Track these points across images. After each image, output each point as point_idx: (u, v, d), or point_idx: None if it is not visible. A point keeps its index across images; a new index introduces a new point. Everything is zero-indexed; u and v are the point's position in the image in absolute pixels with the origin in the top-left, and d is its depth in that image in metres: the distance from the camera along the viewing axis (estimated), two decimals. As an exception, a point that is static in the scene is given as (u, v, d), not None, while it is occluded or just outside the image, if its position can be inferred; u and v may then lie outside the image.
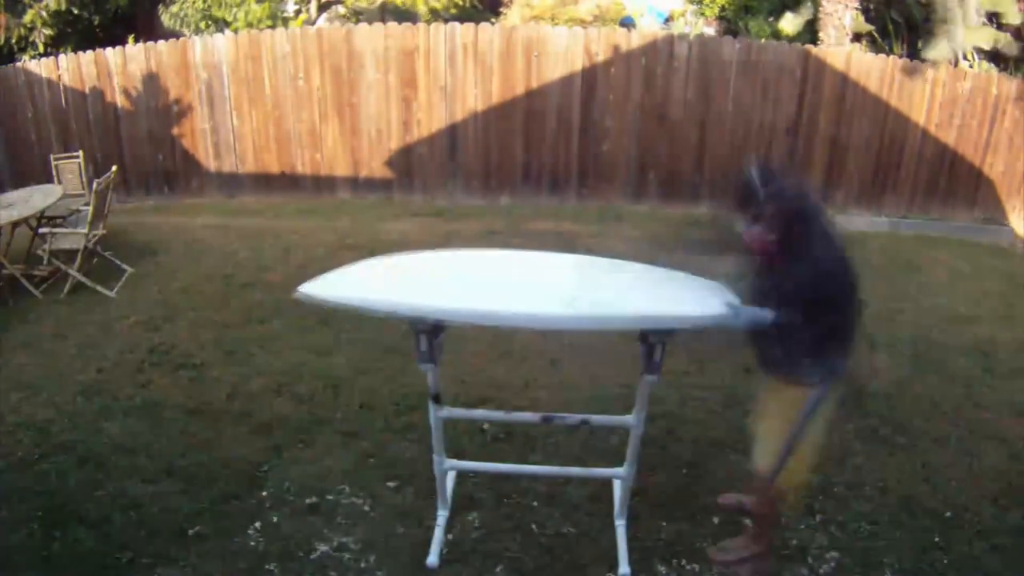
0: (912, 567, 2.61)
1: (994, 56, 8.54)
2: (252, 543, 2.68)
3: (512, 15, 11.21)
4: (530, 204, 7.51)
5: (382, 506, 2.87)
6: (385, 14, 9.49)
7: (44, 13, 8.67)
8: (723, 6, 10.77)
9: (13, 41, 8.75)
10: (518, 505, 2.87)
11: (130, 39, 8.00)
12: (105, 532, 2.71)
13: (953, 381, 3.96)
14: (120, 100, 7.63)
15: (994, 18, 8.58)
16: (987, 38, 8.42)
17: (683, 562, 2.61)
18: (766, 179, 2.11)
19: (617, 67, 7.26)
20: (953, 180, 7.54)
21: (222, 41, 7.50)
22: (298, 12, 9.96)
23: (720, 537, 2.72)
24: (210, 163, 7.79)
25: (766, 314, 2.08)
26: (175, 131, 7.71)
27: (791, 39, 8.50)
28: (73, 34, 9.13)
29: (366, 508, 2.86)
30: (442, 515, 2.72)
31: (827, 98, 7.28)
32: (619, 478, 2.69)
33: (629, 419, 2.45)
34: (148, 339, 4.32)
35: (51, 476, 3.03)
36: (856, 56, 7.50)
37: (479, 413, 2.95)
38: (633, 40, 7.27)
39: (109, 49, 7.57)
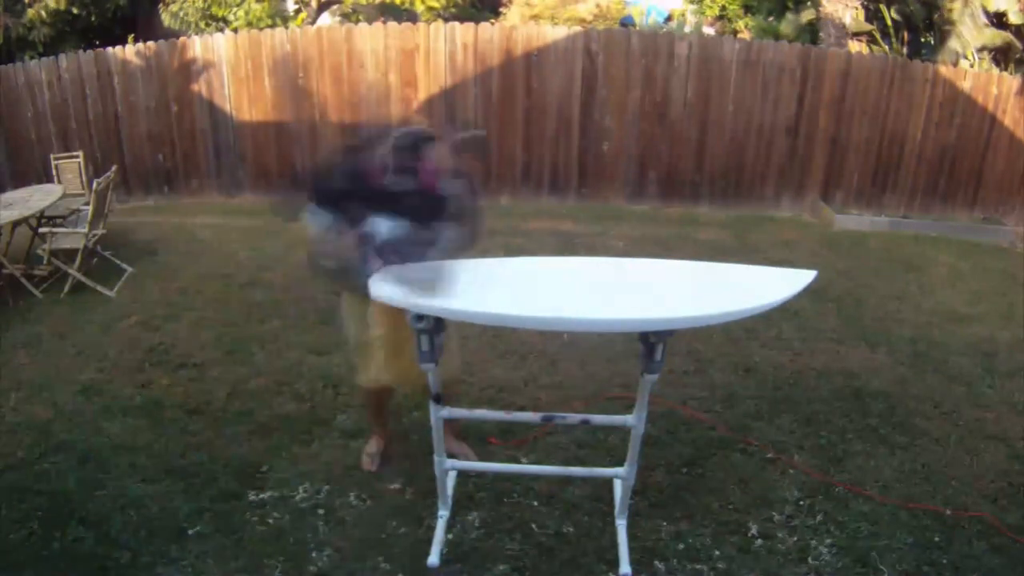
0: (912, 567, 2.61)
1: (995, 55, 8.56)
2: (252, 543, 2.68)
3: (512, 14, 11.23)
4: (530, 203, 7.51)
5: (382, 506, 2.87)
6: (384, 12, 9.49)
7: (43, 12, 8.66)
8: (723, 6, 10.79)
9: (13, 40, 8.75)
10: (518, 505, 2.87)
11: (130, 39, 8.00)
12: (105, 532, 2.71)
13: (953, 381, 3.96)
14: (120, 100, 7.63)
15: (995, 18, 8.59)
16: (994, 38, 8.45)
17: (683, 562, 2.61)
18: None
19: (617, 67, 7.26)
20: (953, 180, 7.54)
21: (222, 40, 7.50)
22: (298, 11, 9.97)
23: (720, 537, 2.72)
24: (210, 162, 7.79)
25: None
26: (175, 131, 7.71)
27: (791, 39, 8.50)
28: (73, 33, 9.14)
29: (366, 508, 2.86)
30: (443, 515, 2.72)
31: (827, 98, 7.28)
32: (620, 478, 2.69)
33: (629, 419, 2.45)
34: (148, 339, 4.32)
35: (51, 476, 3.03)
36: (856, 56, 7.51)
37: (479, 413, 2.95)
38: (633, 39, 7.28)
39: (109, 48, 7.57)
